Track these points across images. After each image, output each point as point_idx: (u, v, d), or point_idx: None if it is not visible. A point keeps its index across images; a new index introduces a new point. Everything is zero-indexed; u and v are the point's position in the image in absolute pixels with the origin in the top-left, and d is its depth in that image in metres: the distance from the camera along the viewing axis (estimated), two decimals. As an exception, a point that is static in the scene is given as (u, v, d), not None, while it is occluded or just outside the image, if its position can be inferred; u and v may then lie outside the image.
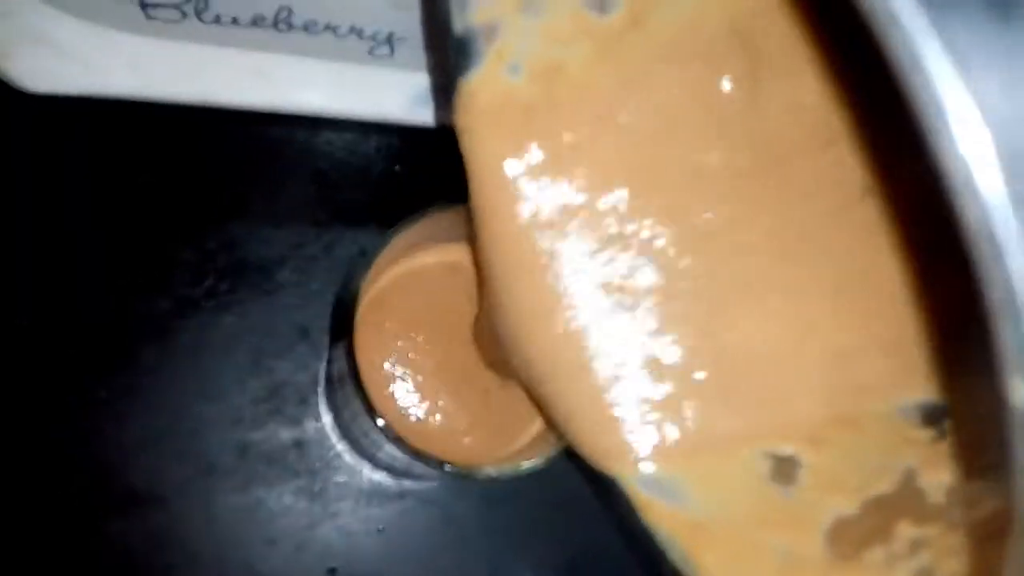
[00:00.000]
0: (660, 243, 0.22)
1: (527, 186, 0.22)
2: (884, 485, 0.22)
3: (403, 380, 0.31)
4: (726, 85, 0.22)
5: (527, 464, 0.31)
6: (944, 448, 0.22)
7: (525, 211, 0.22)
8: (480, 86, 0.22)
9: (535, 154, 0.22)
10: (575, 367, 0.22)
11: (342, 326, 0.28)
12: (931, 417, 0.23)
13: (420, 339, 0.31)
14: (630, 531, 0.22)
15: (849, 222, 0.23)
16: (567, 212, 0.22)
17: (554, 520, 0.42)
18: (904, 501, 0.22)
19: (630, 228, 0.22)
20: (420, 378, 0.31)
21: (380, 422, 0.27)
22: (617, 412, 0.22)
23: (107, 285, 0.39)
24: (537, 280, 0.22)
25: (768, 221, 0.22)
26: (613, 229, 0.22)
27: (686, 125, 0.22)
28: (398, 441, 0.27)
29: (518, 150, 0.22)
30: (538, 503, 0.41)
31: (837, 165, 0.23)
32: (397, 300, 0.31)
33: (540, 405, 0.25)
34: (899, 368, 0.23)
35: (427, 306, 0.31)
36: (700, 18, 0.22)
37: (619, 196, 0.22)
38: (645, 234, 0.22)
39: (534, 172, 0.22)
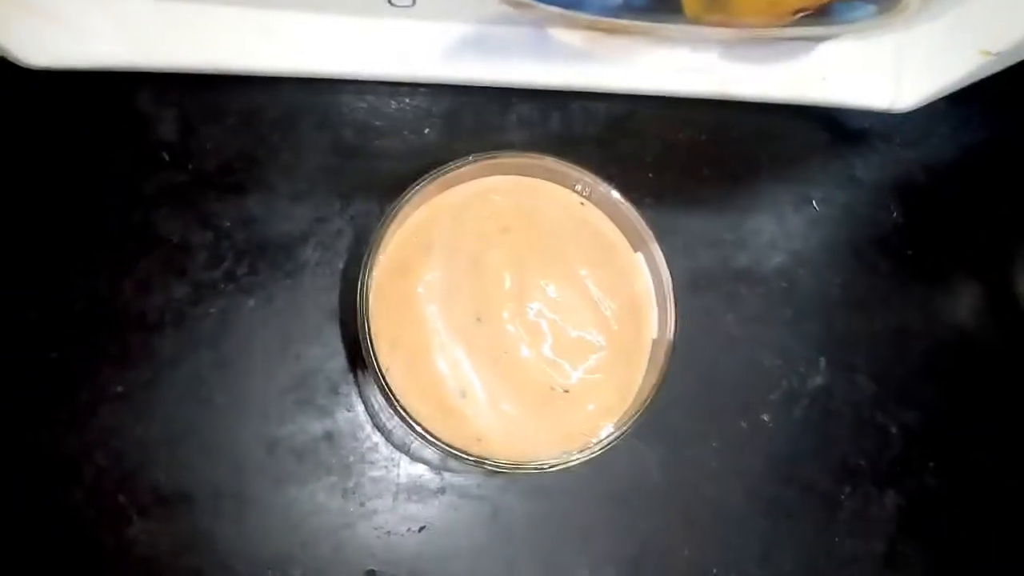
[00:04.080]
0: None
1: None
2: None
3: (428, 355, 0.27)
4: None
5: (578, 455, 0.27)
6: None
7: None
8: None
9: None
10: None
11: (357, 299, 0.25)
12: None
13: (450, 303, 0.27)
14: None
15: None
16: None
17: (612, 513, 0.37)
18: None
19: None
20: (450, 351, 0.27)
21: (400, 410, 0.23)
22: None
23: (118, 272, 0.36)
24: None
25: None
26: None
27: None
28: (419, 434, 0.23)
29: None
30: (594, 495, 0.37)
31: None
32: (417, 259, 0.27)
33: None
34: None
35: (453, 259, 0.27)
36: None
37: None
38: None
39: None
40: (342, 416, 0.36)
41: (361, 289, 0.25)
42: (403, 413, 0.24)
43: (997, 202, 0.42)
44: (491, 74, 0.38)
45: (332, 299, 0.37)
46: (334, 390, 0.37)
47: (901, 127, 0.42)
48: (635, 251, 0.29)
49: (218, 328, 0.36)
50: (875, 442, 0.39)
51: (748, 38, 0.38)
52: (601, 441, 0.26)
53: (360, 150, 0.38)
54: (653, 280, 0.28)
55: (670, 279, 0.27)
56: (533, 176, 0.29)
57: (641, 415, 0.27)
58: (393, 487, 0.36)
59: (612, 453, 0.37)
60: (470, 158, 0.26)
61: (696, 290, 0.39)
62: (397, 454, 0.36)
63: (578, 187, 0.29)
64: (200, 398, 0.36)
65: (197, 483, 0.36)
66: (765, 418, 0.39)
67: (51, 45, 0.35)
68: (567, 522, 0.37)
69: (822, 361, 0.40)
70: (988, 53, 0.36)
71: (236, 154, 0.38)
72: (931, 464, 0.39)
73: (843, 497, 0.39)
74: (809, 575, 0.38)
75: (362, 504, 0.36)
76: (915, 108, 0.39)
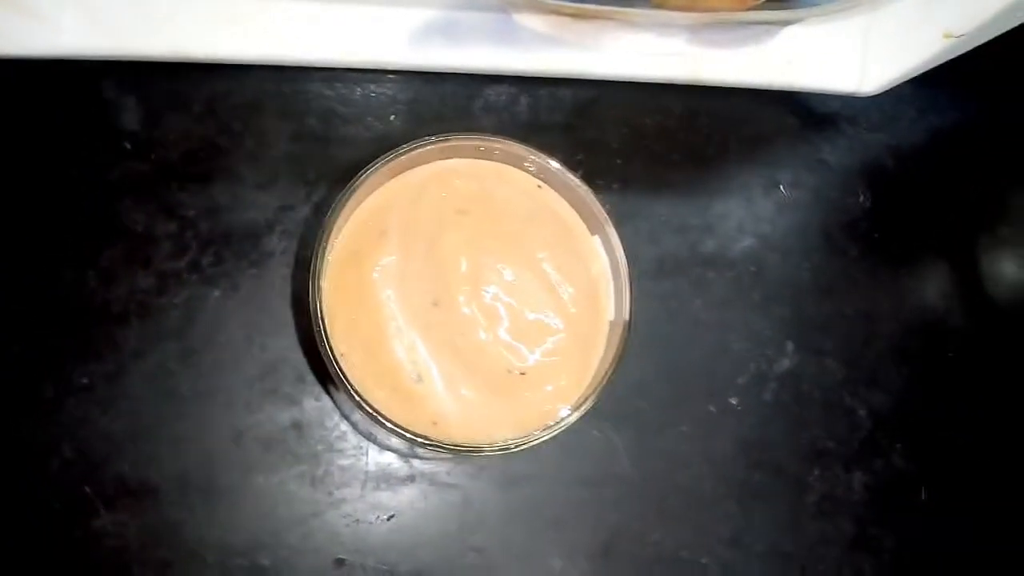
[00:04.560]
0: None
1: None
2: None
3: (385, 340, 0.27)
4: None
5: (540, 435, 0.27)
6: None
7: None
8: None
9: None
10: None
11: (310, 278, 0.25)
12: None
13: (406, 287, 0.27)
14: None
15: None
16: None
17: (583, 499, 0.37)
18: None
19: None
20: (407, 335, 0.27)
21: (354, 395, 0.23)
22: None
23: (82, 263, 0.36)
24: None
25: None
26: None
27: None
28: (375, 418, 0.23)
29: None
30: (564, 481, 0.37)
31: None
32: (373, 244, 0.27)
33: None
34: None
35: (409, 237, 0.27)
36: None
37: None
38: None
39: None
40: (310, 405, 0.36)
41: (314, 275, 0.24)
42: (358, 399, 0.23)
43: (964, 185, 0.43)
44: (457, 60, 0.38)
45: (297, 287, 0.37)
46: (301, 379, 0.36)
47: (868, 110, 0.42)
48: (592, 234, 0.29)
49: (183, 319, 0.36)
50: (844, 424, 0.39)
51: (714, 22, 0.38)
52: (559, 422, 0.26)
53: (325, 138, 0.38)
54: (610, 262, 0.28)
55: (626, 261, 0.27)
56: (491, 159, 0.28)
57: (599, 396, 0.27)
58: (362, 475, 0.36)
59: (581, 439, 0.37)
60: (425, 139, 0.26)
61: (663, 275, 0.39)
62: (365, 443, 0.36)
63: (535, 171, 0.28)
64: (166, 389, 0.36)
65: (164, 474, 0.35)
66: (734, 402, 0.39)
67: (13, 33, 0.35)
68: (537, 509, 0.37)
69: (790, 345, 0.40)
70: (952, 35, 0.36)
71: (200, 143, 0.37)
72: (899, 446, 0.40)
73: (812, 479, 0.39)
74: (779, 557, 0.38)
75: (331, 493, 0.36)
76: (881, 91, 0.40)
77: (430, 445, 0.24)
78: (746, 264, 0.40)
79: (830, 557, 0.39)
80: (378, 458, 0.36)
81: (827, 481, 0.39)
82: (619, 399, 0.38)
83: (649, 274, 0.39)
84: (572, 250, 0.28)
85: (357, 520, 0.36)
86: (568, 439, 0.28)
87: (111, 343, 0.36)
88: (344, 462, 0.36)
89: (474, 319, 0.26)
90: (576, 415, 0.26)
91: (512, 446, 0.25)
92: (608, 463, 0.38)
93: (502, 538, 0.37)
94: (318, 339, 0.24)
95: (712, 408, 0.39)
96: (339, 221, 0.25)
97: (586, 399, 0.26)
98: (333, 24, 0.37)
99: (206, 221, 0.37)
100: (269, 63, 0.37)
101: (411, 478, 0.36)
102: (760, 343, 0.39)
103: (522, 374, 0.27)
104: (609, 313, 0.28)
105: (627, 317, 0.27)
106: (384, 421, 0.24)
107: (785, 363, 0.40)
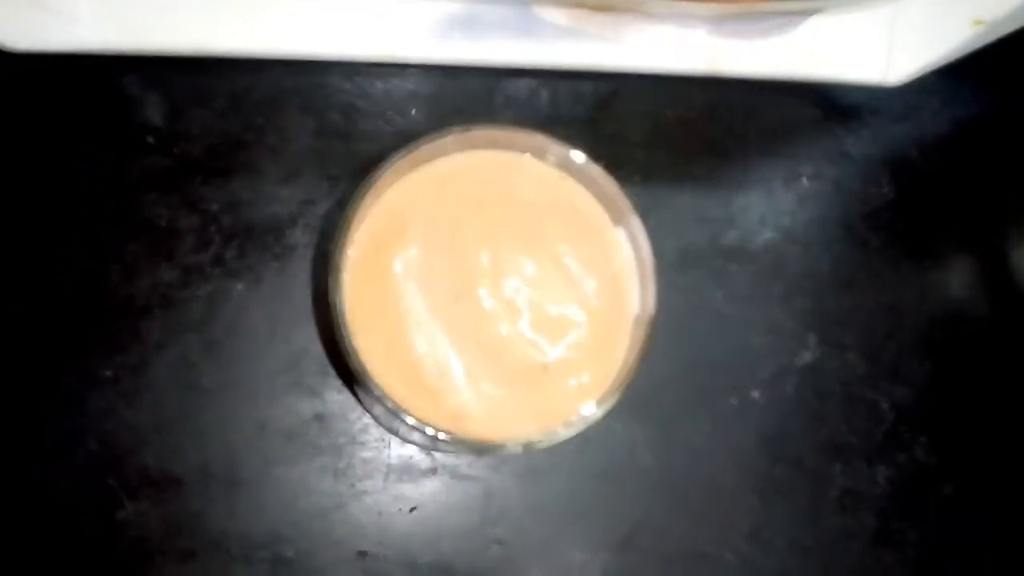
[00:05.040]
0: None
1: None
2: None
3: (406, 335, 0.27)
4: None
5: (562, 431, 0.27)
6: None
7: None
8: None
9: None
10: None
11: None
12: None
13: (427, 281, 0.27)
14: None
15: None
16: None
17: (604, 493, 0.37)
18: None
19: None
20: (428, 330, 0.27)
21: (374, 389, 0.23)
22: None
23: (105, 257, 0.36)
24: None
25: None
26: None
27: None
28: (395, 413, 0.23)
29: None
30: (586, 475, 0.37)
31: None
32: (394, 237, 0.27)
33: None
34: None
35: (430, 237, 0.27)
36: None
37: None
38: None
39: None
40: (332, 397, 0.37)
41: (334, 269, 0.24)
42: (378, 394, 0.24)
43: (989, 176, 0.42)
44: (478, 54, 0.38)
45: (320, 281, 0.37)
46: (323, 371, 0.37)
47: (892, 101, 0.41)
48: (615, 225, 0.28)
49: (206, 311, 0.36)
50: (866, 418, 0.39)
51: (736, 13, 0.38)
52: (582, 418, 0.26)
53: (346, 132, 0.38)
54: (634, 255, 0.28)
55: (651, 253, 0.27)
56: (512, 150, 0.28)
57: (623, 392, 0.27)
58: (384, 468, 0.36)
59: (602, 433, 0.37)
60: (446, 131, 0.26)
61: (685, 267, 0.39)
62: (387, 435, 0.36)
63: (557, 161, 0.28)
64: (189, 382, 0.36)
65: (187, 466, 0.36)
66: (755, 396, 0.39)
67: (34, 29, 0.35)
68: (559, 502, 0.37)
69: (812, 338, 0.39)
70: (981, 22, 0.35)
71: (222, 137, 0.38)
72: (922, 440, 0.39)
73: (834, 474, 0.39)
74: (801, 552, 0.38)
75: (353, 485, 0.36)
76: (906, 82, 0.39)
77: (451, 441, 0.24)
78: (768, 257, 0.40)
79: (852, 552, 0.38)
80: (400, 450, 0.36)
81: (849, 476, 0.39)
82: (641, 392, 0.37)
83: (671, 267, 0.39)
84: (595, 242, 0.28)
85: (379, 512, 0.36)
86: (589, 432, 0.27)
87: (135, 336, 0.36)
88: (366, 454, 0.36)
89: (495, 313, 0.26)
90: (600, 411, 0.26)
91: (535, 443, 0.25)
92: (629, 456, 0.38)
93: (524, 530, 0.37)
94: (338, 334, 0.24)
95: (734, 401, 0.38)
96: (359, 214, 0.25)
97: (610, 395, 0.26)
98: (354, 18, 0.37)
99: (229, 215, 0.37)
100: (290, 58, 0.37)
101: (433, 470, 0.36)
102: (782, 336, 0.39)
103: (544, 369, 0.27)
104: (633, 307, 0.28)
105: (652, 312, 0.26)
106: (405, 417, 0.24)
107: (807, 356, 0.39)
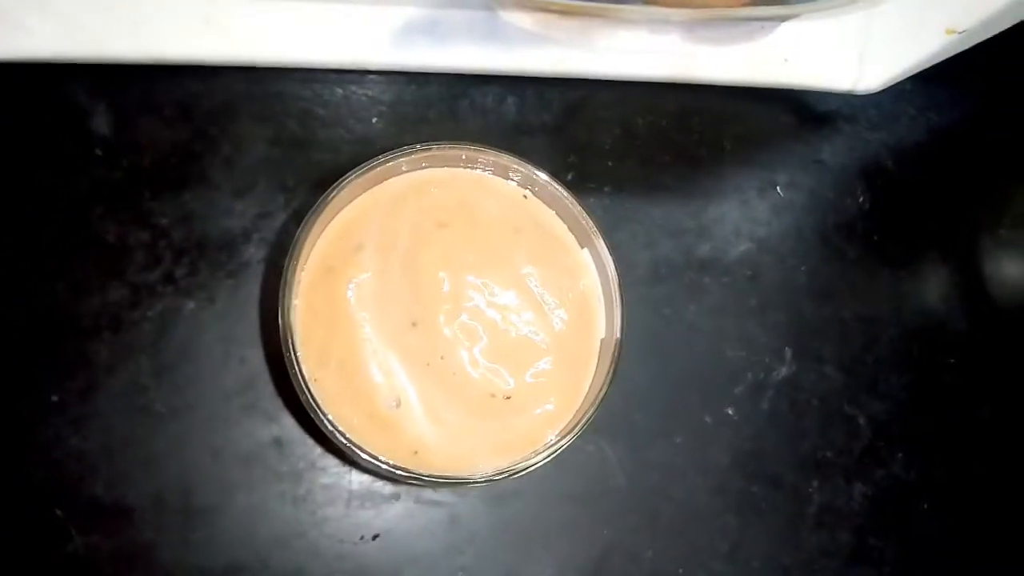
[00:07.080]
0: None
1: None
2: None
3: (360, 363, 0.25)
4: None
5: (527, 462, 0.26)
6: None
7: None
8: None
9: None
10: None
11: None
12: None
13: (382, 306, 0.25)
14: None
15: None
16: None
17: (575, 515, 0.36)
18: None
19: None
20: (383, 358, 0.25)
21: (327, 423, 0.22)
22: None
23: (51, 275, 0.34)
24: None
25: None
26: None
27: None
28: (349, 447, 0.22)
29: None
30: (555, 497, 0.36)
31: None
32: (347, 259, 0.25)
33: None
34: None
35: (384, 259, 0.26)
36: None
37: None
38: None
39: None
40: (290, 421, 0.35)
41: (284, 293, 0.23)
42: (331, 428, 0.22)
43: (965, 185, 0.41)
44: (441, 60, 0.37)
45: (277, 299, 0.35)
46: (280, 394, 0.35)
47: (866, 109, 0.41)
48: (581, 247, 0.27)
49: (158, 332, 0.35)
50: (843, 434, 0.38)
51: (708, 18, 0.37)
52: (548, 449, 0.25)
53: (304, 141, 0.37)
54: (600, 278, 0.27)
55: (616, 276, 0.26)
56: (474, 168, 0.27)
57: (589, 421, 0.25)
58: (345, 494, 0.35)
59: (573, 453, 0.36)
60: (403, 149, 0.24)
61: (657, 281, 0.38)
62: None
63: (521, 180, 0.27)
64: (140, 406, 0.34)
65: (139, 494, 0.34)
66: (730, 412, 0.38)
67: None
68: (528, 526, 0.36)
69: (788, 352, 0.38)
70: (954, 31, 0.35)
71: (173, 148, 0.36)
72: (900, 455, 0.38)
73: (811, 490, 0.38)
74: (778, 571, 0.37)
75: (313, 512, 0.35)
76: (880, 90, 0.38)
77: (411, 476, 0.23)
78: (742, 269, 0.39)
79: (830, 570, 0.38)
80: (361, 476, 0.35)
81: (826, 492, 0.38)
82: (612, 411, 0.36)
83: (642, 280, 0.38)
84: (560, 265, 0.27)
85: (341, 540, 0.35)
86: (559, 453, 0.26)
87: (82, 359, 0.34)
88: (327, 480, 0.35)
89: (455, 340, 0.25)
90: (565, 441, 0.24)
91: (498, 476, 0.24)
92: (601, 476, 0.36)
93: (491, 556, 0.35)
94: (288, 363, 0.23)
95: (708, 419, 0.37)
96: (311, 235, 0.24)
97: (576, 424, 0.25)
98: (312, 23, 0.36)
99: (180, 230, 0.35)
100: (245, 64, 0.36)
101: (396, 496, 0.35)
102: (757, 350, 0.38)
103: (507, 398, 0.25)
104: (600, 331, 0.27)
105: (618, 335, 0.25)
106: (360, 452, 0.22)
107: (783, 371, 0.38)
